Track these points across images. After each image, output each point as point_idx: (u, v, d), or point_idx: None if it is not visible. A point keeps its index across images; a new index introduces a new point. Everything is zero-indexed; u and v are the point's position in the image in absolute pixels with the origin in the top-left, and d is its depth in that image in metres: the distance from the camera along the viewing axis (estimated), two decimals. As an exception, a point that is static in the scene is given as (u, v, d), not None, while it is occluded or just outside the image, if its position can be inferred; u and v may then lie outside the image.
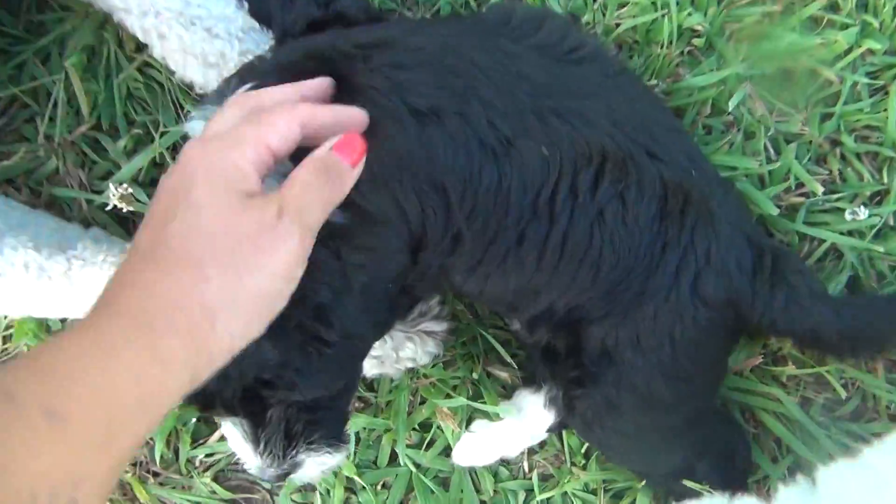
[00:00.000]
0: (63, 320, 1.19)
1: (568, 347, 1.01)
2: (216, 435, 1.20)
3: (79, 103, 1.20)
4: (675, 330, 0.93)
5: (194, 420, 1.19)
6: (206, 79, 1.12)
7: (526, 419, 1.10)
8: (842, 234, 1.14)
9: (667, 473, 1.06)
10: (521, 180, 0.84)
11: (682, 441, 1.04)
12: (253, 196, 0.63)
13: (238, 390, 0.77)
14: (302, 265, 0.65)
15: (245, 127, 0.67)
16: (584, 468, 1.16)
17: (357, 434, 1.18)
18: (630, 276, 0.92)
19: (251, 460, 0.86)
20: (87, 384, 0.51)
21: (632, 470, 1.13)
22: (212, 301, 0.58)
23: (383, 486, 1.19)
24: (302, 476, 0.89)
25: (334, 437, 0.89)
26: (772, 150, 1.17)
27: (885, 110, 1.16)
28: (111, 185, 1.14)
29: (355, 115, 0.75)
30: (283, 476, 0.88)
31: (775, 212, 1.11)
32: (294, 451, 0.85)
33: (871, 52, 1.16)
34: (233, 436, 0.85)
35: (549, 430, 1.12)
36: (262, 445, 0.83)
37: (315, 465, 0.88)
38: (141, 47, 1.20)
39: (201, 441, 1.21)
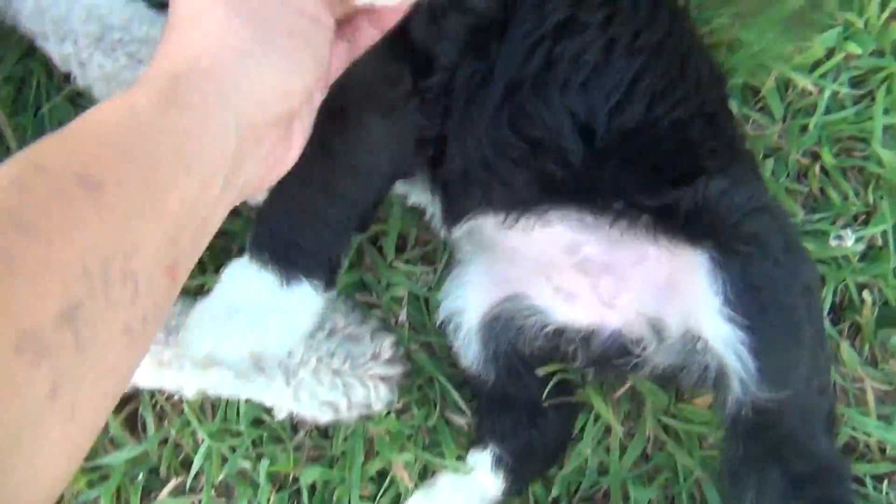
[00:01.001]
0: None
1: None
2: (167, 489, 1.15)
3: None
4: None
5: (142, 474, 1.14)
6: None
7: (474, 484, 1.03)
8: (824, 262, 1.04)
9: None
10: None
11: None
12: None
13: None
14: None
15: None
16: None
17: (312, 486, 1.12)
18: None
19: None
20: (116, 146, 0.49)
21: None
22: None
23: (337, 540, 1.13)
24: None
25: None
26: (745, 168, 1.06)
27: (871, 119, 1.04)
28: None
29: None
30: None
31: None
32: None
33: (854, 55, 1.05)
34: None
35: (504, 495, 1.04)
36: None
37: None
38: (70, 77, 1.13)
39: (152, 496, 1.15)
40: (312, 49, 0.62)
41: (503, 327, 1.01)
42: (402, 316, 1.14)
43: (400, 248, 1.13)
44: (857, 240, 1.05)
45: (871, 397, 1.11)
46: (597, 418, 1.08)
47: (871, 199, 1.07)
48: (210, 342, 0.71)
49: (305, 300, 0.74)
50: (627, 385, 1.07)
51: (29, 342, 0.38)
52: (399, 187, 1.01)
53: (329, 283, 0.77)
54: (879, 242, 1.08)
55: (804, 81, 1.02)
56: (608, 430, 1.07)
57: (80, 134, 0.49)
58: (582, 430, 1.08)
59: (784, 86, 1.06)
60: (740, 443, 0.79)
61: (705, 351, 0.81)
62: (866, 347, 1.11)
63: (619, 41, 0.83)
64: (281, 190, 0.73)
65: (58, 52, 1.03)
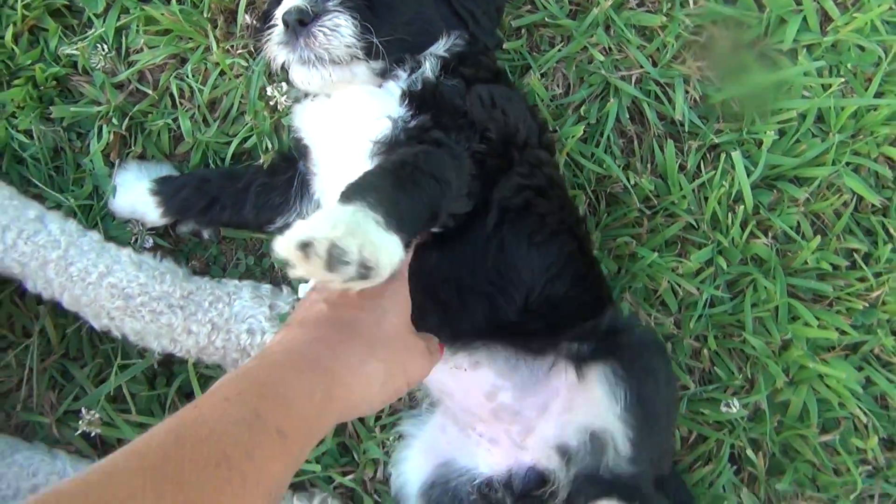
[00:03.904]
0: None
1: None
2: None
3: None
4: None
5: None
6: (161, 346, 1.29)
7: None
8: (720, 423, 1.33)
9: None
10: None
11: None
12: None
13: None
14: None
15: None
16: None
17: None
18: None
19: None
20: (301, 412, 0.75)
21: None
22: (373, 374, 0.86)
23: None
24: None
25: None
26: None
27: (744, 311, 1.36)
28: (83, 410, 1.30)
29: None
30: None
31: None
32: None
33: (728, 263, 1.37)
34: None
35: None
36: None
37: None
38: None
39: None
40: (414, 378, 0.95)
41: (441, 491, 1.26)
42: (379, 473, 1.37)
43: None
44: (743, 406, 1.33)
45: (769, 536, 1.35)
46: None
47: (749, 374, 1.36)
48: (339, 231, 0.78)
49: (395, 247, 0.85)
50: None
51: None
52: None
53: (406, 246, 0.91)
54: (763, 406, 1.36)
55: (689, 286, 1.34)
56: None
57: (281, 395, 0.75)
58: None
59: (675, 287, 1.38)
60: (597, 486, 1.05)
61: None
62: (763, 493, 1.36)
63: (564, 227, 1.15)
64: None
65: (97, 325, 1.28)
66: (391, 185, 0.90)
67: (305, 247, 0.77)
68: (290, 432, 0.72)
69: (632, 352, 1.07)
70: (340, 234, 0.77)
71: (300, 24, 1.05)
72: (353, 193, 0.86)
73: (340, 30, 1.05)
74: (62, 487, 0.59)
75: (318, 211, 0.84)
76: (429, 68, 1.12)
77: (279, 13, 1.09)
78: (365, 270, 0.79)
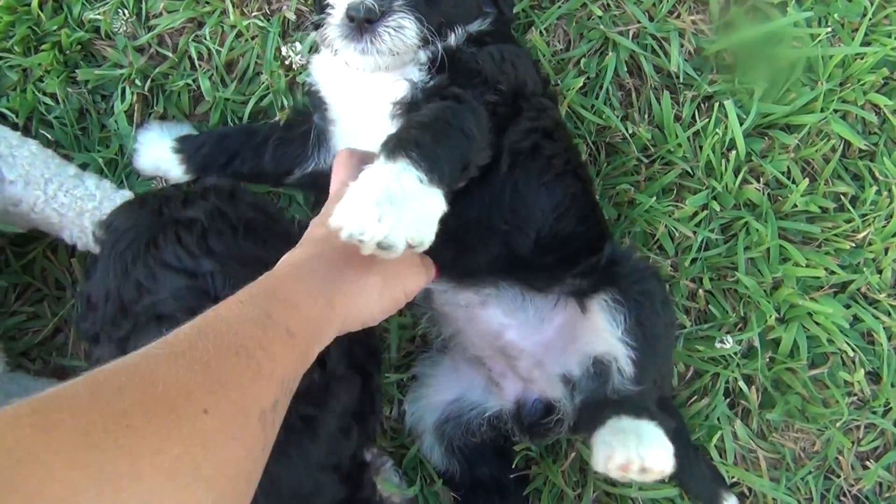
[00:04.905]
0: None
1: None
2: None
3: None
4: None
5: None
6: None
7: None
8: (714, 359, 1.41)
9: None
10: None
11: None
12: None
13: None
14: None
15: None
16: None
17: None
18: None
19: None
20: (306, 314, 0.83)
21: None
22: (371, 284, 0.93)
23: None
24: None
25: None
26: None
27: (737, 254, 1.43)
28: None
29: None
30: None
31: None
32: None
33: (721, 208, 1.45)
34: None
35: None
36: None
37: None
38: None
39: None
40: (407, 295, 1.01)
41: (454, 425, 1.36)
42: (394, 412, 1.45)
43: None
44: (737, 342, 1.41)
45: (763, 464, 1.44)
46: (552, 487, 1.38)
47: (742, 313, 1.44)
48: (385, 227, 0.84)
49: (438, 202, 0.92)
50: (572, 457, 1.39)
51: (264, 416, 0.72)
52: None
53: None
54: (756, 344, 1.44)
55: (685, 229, 1.41)
56: (562, 495, 1.38)
57: (289, 299, 0.83)
58: (539, 495, 1.38)
59: (672, 231, 1.45)
60: (606, 407, 1.13)
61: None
62: (755, 424, 1.45)
63: (570, 168, 1.22)
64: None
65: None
66: (431, 140, 0.95)
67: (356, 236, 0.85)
68: (297, 332, 0.81)
69: (629, 279, 1.14)
70: (387, 231, 0.84)
71: (367, 22, 1.08)
72: (396, 148, 0.92)
73: (405, 31, 1.09)
74: (117, 363, 0.68)
75: (364, 176, 0.90)
76: (454, 40, 1.17)
77: None
78: (411, 248, 0.87)
